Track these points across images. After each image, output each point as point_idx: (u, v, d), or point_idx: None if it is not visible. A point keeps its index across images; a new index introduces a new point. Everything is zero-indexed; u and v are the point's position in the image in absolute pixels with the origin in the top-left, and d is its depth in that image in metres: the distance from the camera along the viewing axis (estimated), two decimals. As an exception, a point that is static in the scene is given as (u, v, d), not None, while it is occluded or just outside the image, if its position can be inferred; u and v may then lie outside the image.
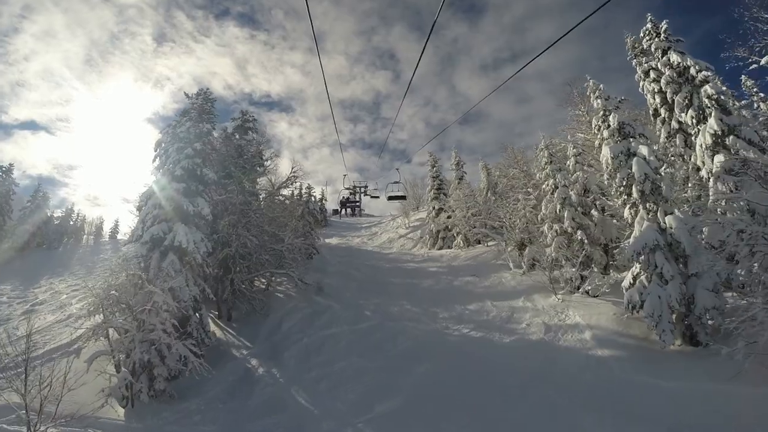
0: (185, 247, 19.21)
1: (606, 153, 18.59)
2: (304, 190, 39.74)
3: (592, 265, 20.51)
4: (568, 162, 23.05)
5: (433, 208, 37.71)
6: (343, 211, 59.95)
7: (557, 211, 21.38)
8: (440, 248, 35.17)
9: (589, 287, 19.90)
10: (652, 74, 21.95)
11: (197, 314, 19.59)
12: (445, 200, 37.03)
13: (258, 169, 28.66)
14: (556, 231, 21.13)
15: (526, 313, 20.03)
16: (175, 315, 17.47)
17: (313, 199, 39.28)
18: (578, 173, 22.54)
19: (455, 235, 33.52)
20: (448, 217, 33.99)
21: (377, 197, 47.88)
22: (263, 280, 26.57)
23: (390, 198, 24.81)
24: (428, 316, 21.45)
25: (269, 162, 29.84)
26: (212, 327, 23.09)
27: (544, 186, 22.93)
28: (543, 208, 22.41)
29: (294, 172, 29.16)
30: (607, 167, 18.08)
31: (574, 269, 20.07)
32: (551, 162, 22.61)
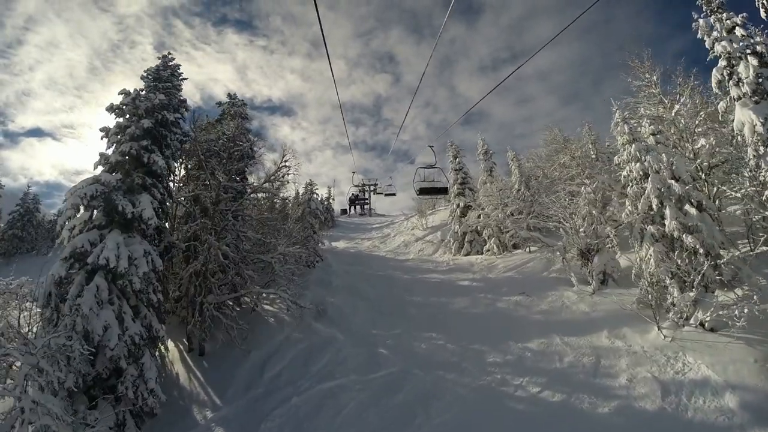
0: (113, 266, 12.52)
1: (746, 118, 11.65)
2: (305, 188, 32.91)
3: (695, 283, 13.36)
4: (644, 142, 15.90)
5: (457, 206, 30.61)
6: (352, 210, 53.57)
7: (653, 206, 14.31)
8: (467, 254, 28.17)
9: (707, 317, 12.82)
10: (740, 31, 15.28)
11: (138, 364, 12.89)
12: (473, 196, 29.98)
13: (246, 160, 21.84)
14: (653, 235, 14.09)
15: (620, 358, 13.01)
16: (83, 377, 10.85)
17: (316, 197, 32.47)
18: (662, 155, 15.45)
19: (487, 238, 26.53)
20: (479, 216, 26.97)
21: (393, 194, 41.16)
22: (249, 299, 19.87)
23: (422, 192, 16.83)
24: (471, 359, 14.51)
25: (257, 149, 22.72)
26: (177, 366, 16.62)
27: (624, 173, 15.84)
28: (628, 203, 15.33)
29: (285, 161, 22.16)
30: (752, 136, 11.09)
31: (692, 292, 12.94)
32: (634, 140, 15.50)
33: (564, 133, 28.52)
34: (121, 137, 15.05)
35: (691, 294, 13.00)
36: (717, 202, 16.83)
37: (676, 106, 17.82)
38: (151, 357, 13.51)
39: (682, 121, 17.61)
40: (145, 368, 12.88)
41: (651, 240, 14.10)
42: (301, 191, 33.64)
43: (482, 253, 26.90)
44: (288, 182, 23.08)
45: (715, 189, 16.97)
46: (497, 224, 25.84)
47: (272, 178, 22.29)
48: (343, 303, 20.65)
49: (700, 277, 13.04)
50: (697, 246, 13.38)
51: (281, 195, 31.05)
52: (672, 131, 17.99)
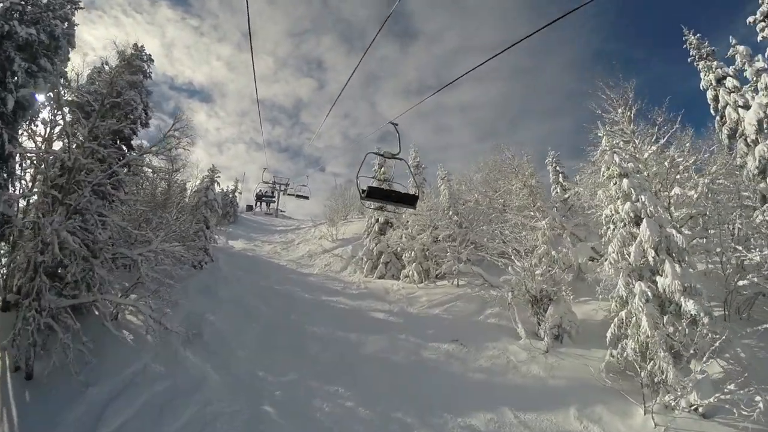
0: None
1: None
2: (208, 172, 26.65)
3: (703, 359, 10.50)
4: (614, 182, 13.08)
5: (376, 220, 26.25)
6: (258, 207, 47.41)
7: (647, 258, 11.26)
8: (381, 276, 23.89)
9: (707, 402, 9.88)
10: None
11: None
12: (395, 212, 26.05)
13: (137, 125, 16.18)
14: (646, 294, 10.98)
15: (600, 456, 9.47)
16: None
17: (218, 187, 26.37)
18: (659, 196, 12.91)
19: (407, 262, 22.56)
20: (402, 237, 22.84)
21: (305, 197, 36.10)
22: (110, 306, 13.79)
23: (372, 194, 8.25)
24: (395, 435, 10.13)
25: (147, 110, 17.19)
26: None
27: (606, 212, 12.77)
28: (611, 250, 12.12)
29: (175, 128, 16.60)
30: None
31: (699, 373, 9.81)
32: (625, 174, 12.51)
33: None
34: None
35: (698, 375, 9.91)
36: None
37: (652, 148, 15.44)
38: None
39: (659, 166, 15.33)
40: None
41: (643, 299, 10.94)
42: (204, 177, 27.57)
43: (399, 279, 22.84)
44: (177, 157, 17.66)
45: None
46: (423, 249, 22.01)
47: (154, 148, 16.56)
48: (225, 324, 15.38)
49: (706, 353, 10.08)
50: (701, 314, 10.46)
51: (177, 178, 25.11)
52: (645, 174, 15.72)
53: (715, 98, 16.67)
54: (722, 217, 13.78)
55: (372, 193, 8.35)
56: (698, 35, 17.52)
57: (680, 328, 10.58)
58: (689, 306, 10.49)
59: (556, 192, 25.12)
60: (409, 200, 8.35)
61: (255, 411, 10.79)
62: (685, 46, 17.68)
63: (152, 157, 18.21)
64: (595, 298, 15.40)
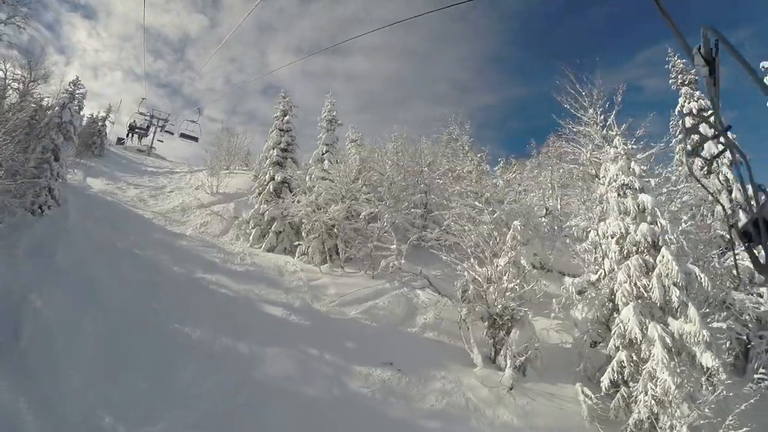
0: None
1: None
2: (70, 86, 19.66)
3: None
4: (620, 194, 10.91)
5: (271, 178, 20.94)
6: (130, 141, 39.80)
7: (672, 299, 8.92)
8: (271, 249, 18.92)
9: None
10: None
11: None
12: (294, 168, 20.95)
13: None
14: (664, 341, 8.67)
15: None
16: None
17: (82, 111, 19.56)
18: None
19: (305, 235, 18.00)
20: (312, 208, 17.80)
21: (194, 139, 30.12)
22: None
23: None
24: None
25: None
26: None
27: (613, 228, 10.15)
28: (621, 278, 9.52)
29: None
30: None
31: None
32: (642, 189, 9.99)
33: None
34: None
35: None
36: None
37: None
38: None
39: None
40: None
41: (662, 346, 8.69)
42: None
43: (294, 255, 18.37)
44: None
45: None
46: (331, 224, 17.72)
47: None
48: (57, 315, 10.09)
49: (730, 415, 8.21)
50: (719, 369, 8.60)
51: (34, 90, 18.24)
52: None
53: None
54: (698, 252, 12.41)
55: None
56: (684, 60, 17.41)
57: (699, 381, 8.60)
58: (707, 359, 8.54)
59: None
60: None
61: None
62: (667, 66, 17.84)
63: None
64: (543, 315, 13.35)
